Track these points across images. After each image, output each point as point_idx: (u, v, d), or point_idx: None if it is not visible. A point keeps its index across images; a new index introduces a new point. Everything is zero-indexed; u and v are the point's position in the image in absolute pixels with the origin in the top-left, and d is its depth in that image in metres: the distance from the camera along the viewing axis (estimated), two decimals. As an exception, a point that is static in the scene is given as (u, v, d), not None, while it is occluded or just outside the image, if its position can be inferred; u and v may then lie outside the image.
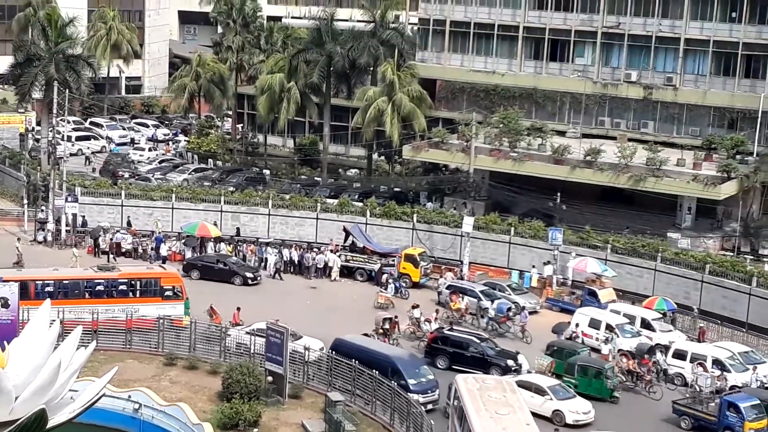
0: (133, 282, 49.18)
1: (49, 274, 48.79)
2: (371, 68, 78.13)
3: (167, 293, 48.93)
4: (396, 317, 49.43)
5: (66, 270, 51.01)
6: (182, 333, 45.73)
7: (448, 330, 47.90)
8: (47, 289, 46.68)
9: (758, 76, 68.93)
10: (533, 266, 59.35)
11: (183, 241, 61.41)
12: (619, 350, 47.13)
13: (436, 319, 50.27)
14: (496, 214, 64.17)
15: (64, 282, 48.17)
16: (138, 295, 48.76)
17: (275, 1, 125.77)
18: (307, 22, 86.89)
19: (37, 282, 47.29)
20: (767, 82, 68.11)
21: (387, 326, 48.39)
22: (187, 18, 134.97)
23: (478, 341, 46.35)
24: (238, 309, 49.28)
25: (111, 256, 59.21)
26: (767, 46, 67.99)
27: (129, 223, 63.83)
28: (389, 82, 72.88)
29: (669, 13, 70.88)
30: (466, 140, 68.46)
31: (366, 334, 46.75)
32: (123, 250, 60.29)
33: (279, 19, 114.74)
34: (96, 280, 48.61)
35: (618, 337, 48.34)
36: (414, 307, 51.17)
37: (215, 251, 60.31)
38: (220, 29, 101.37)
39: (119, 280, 48.96)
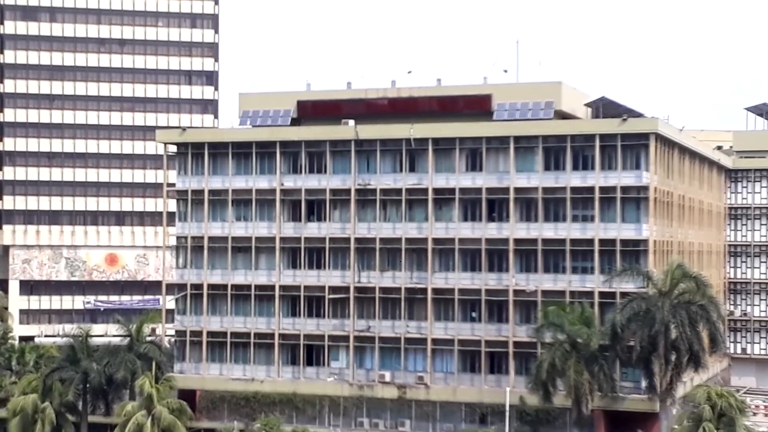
0: None
1: None
2: (129, 382, 77.55)
3: None
4: None
5: None
6: None
7: None
8: None
9: (502, 372, 73.39)
10: None
11: None
12: None
13: None
14: None
15: None
16: None
17: (27, 320, 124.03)
18: (62, 340, 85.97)
19: None
20: (510, 377, 72.55)
21: None
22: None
23: None
24: None
25: None
26: (506, 343, 72.96)
27: None
28: (147, 396, 72.31)
29: (414, 315, 75.23)
30: (229, 448, 68.45)
31: None
32: None
33: (32, 338, 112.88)
34: None
35: None
36: None
37: None
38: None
39: None
